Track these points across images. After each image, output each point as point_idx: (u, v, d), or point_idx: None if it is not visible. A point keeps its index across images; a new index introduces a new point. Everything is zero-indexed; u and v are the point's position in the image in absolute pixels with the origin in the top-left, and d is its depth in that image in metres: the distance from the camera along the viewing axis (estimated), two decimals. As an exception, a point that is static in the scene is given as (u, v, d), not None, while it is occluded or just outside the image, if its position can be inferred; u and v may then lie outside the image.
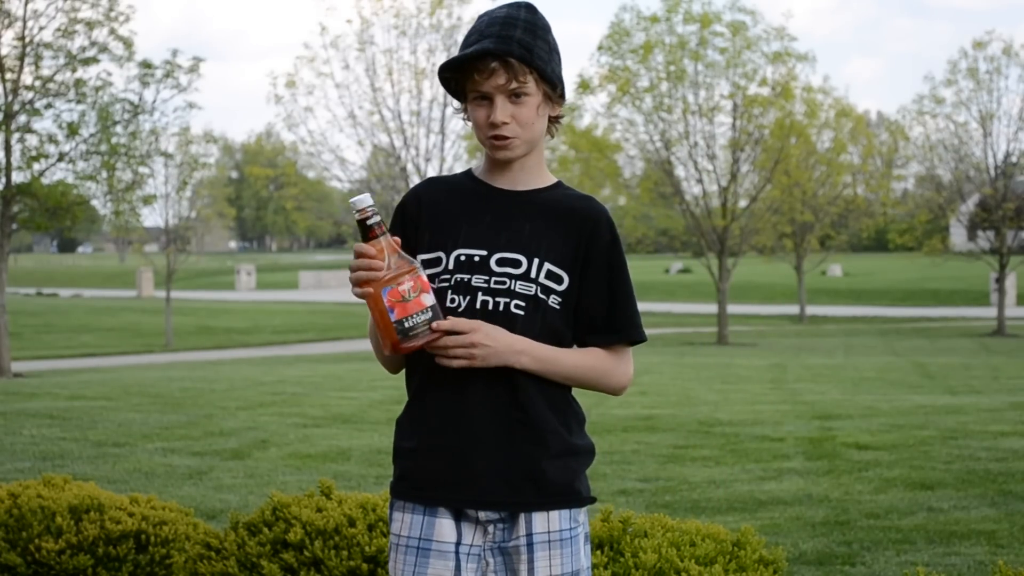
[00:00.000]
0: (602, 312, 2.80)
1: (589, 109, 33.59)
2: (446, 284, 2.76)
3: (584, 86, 31.69)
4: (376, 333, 2.72)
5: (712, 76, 31.10)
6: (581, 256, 2.77)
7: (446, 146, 30.08)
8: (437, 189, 2.88)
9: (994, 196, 34.98)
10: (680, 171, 32.49)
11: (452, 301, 2.75)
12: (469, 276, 2.75)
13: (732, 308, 37.92)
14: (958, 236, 43.63)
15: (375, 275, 2.63)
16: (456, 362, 2.66)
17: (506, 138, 2.75)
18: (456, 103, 2.84)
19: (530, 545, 2.72)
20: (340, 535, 4.31)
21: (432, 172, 30.09)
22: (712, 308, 37.03)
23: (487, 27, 2.74)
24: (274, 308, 48.62)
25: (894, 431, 11.01)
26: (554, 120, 2.83)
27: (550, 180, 2.87)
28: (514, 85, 2.71)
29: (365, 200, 2.66)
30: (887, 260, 75.89)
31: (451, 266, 2.77)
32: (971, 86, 35.15)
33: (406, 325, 2.64)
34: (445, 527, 2.74)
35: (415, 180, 30.23)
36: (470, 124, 2.81)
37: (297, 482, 8.49)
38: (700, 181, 31.83)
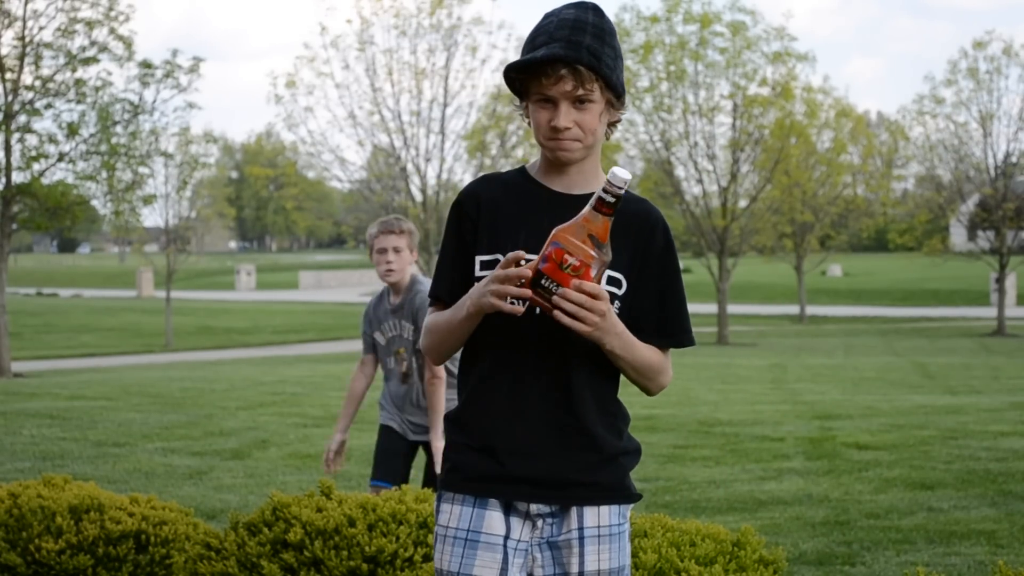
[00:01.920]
0: (653, 315, 2.80)
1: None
2: None
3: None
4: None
5: (712, 76, 31.12)
6: (638, 261, 2.77)
7: (446, 146, 30.09)
8: (494, 188, 2.84)
9: (994, 196, 34.99)
10: (680, 171, 32.52)
11: (512, 303, 2.70)
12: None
13: (732, 308, 37.93)
14: (958, 236, 43.64)
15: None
16: (571, 321, 2.56)
17: (567, 141, 2.73)
18: (517, 100, 2.82)
19: (581, 539, 2.73)
20: (340, 535, 4.31)
21: (432, 172, 30.10)
22: (712, 308, 37.03)
23: (556, 30, 2.70)
24: (274, 308, 48.62)
25: (894, 431, 11.01)
26: (612, 124, 2.81)
27: (602, 182, 2.80)
28: (580, 92, 2.69)
29: (626, 174, 2.59)
30: (887, 260, 75.90)
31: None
32: (971, 86, 35.18)
33: (543, 283, 2.55)
34: (495, 519, 2.73)
35: (415, 180, 30.24)
36: (528, 122, 2.78)
37: (297, 482, 8.49)
38: (700, 181, 31.84)
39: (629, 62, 30.92)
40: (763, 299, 53.59)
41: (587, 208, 2.57)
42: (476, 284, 2.69)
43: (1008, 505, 7.56)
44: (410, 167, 30.06)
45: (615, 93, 2.74)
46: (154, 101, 22.68)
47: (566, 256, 2.56)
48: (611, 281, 2.74)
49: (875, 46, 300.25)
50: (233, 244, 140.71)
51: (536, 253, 2.64)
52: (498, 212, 2.80)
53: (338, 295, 61.40)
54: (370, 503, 4.48)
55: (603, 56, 2.70)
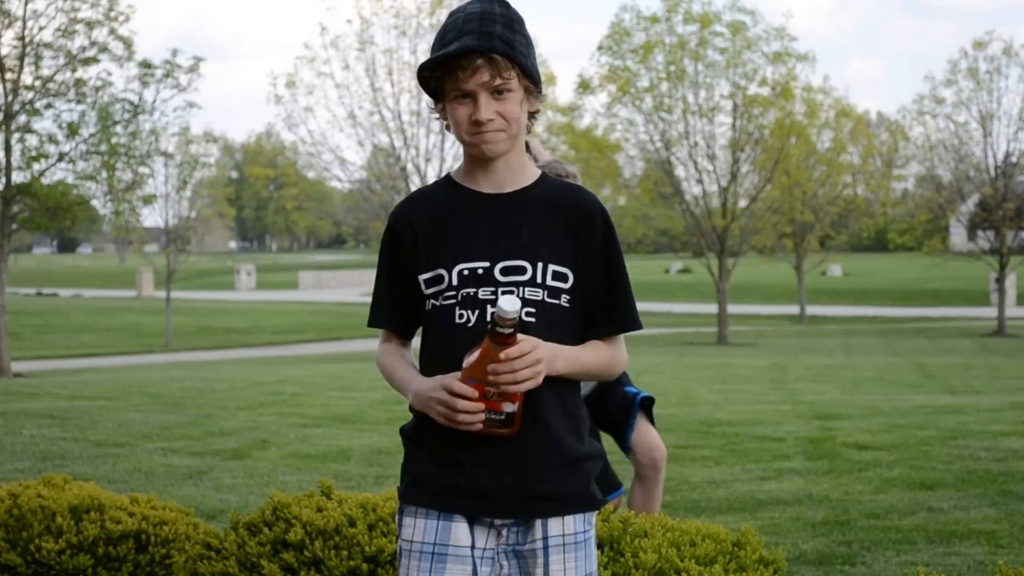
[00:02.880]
0: (600, 304, 2.77)
1: (589, 109, 33.58)
2: (452, 300, 2.71)
3: (584, 86, 31.71)
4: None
5: (712, 76, 31.11)
6: (581, 251, 2.75)
7: (446, 146, 30.09)
8: (422, 205, 2.82)
9: (994, 196, 34.99)
10: (680, 171, 32.51)
11: (461, 316, 2.70)
12: (475, 289, 2.70)
13: (732, 308, 37.93)
14: (958, 236, 43.64)
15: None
16: (527, 385, 2.60)
17: (491, 133, 2.71)
18: (430, 102, 2.79)
19: (546, 548, 2.70)
20: (340, 535, 4.31)
21: (432, 172, 30.09)
22: (712, 308, 37.03)
23: (465, 23, 2.68)
24: (274, 308, 48.62)
25: (894, 431, 11.01)
26: (532, 115, 2.80)
27: (535, 175, 2.82)
28: (498, 82, 2.67)
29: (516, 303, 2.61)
30: (887, 260, 75.90)
31: (455, 282, 2.72)
32: (971, 86, 35.17)
33: (491, 416, 2.64)
34: (461, 531, 2.71)
35: (415, 180, 30.24)
36: (447, 124, 2.77)
37: (297, 482, 8.49)
38: (700, 181, 31.84)
39: (629, 62, 30.95)
40: (763, 299, 53.58)
41: (485, 340, 2.58)
42: (423, 387, 2.69)
43: (1008, 505, 7.56)
44: (410, 167, 30.08)
45: (532, 80, 2.73)
46: (154, 101, 22.68)
47: (487, 389, 2.61)
48: (557, 276, 2.72)
49: (875, 46, 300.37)
50: (233, 244, 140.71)
51: (480, 260, 2.69)
52: (432, 228, 2.77)
53: (338, 295, 61.42)
54: (370, 503, 4.48)
55: (516, 44, 2.69)
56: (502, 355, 2.57)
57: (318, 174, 35.15)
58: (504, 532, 2.72)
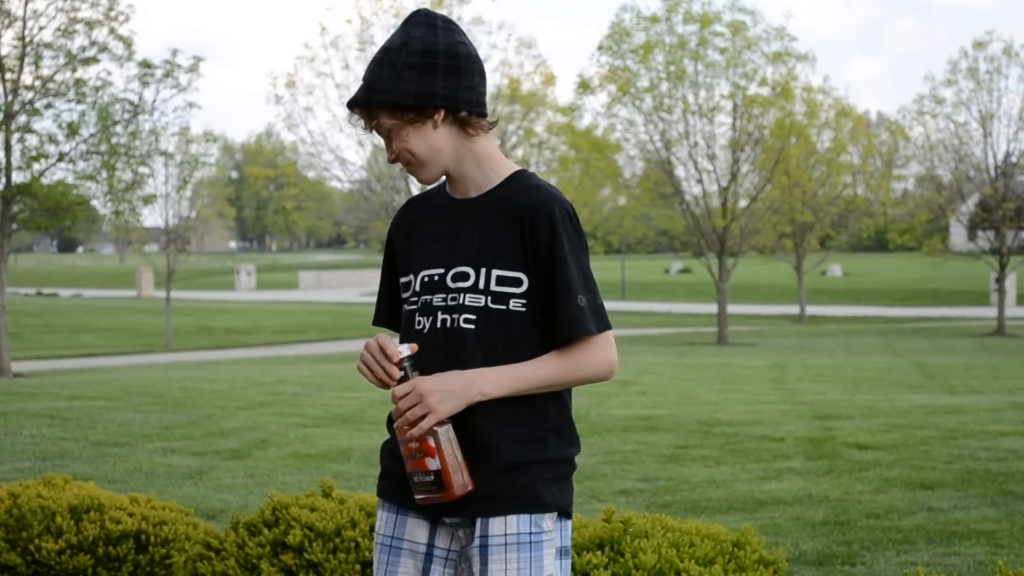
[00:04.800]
0: (551, 309, 2.66)
1: (589, 109, 33.57)
2: (415, 306, 2.75)
3: (584, 86, 31.70)
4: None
5: (712, 76, 31.11)
6: (529, 255, 2.67)
7: (446, 146, 30.06)
8: (413, 211, 2.87)
9: (994, 196, 34.98)
10: (680, 171, 32.50)
11: (419, 324, 2.72)
12: (431, 296, 2.72)
13: (732, 308, 37.93)
14: (958, 236, 43.64)
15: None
16: (421, 426, 2.61)
17: (408, 169, 2.75)
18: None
19: (484, 547, 2.65)
20: (340, 537, 4.31)
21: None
22: (712, 308, 37.01)
23: None
24: (274, 308, 48.62)
25: (894, 431, 11.01)
26: (465, 125, 2.71)
27: (502, 176, 2.75)
28: (374, 127, 2.71)
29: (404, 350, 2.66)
30: (887, 260, 75.87)
31: (418, 288, 2.75)
32: (971, 86, 35.16)
33: (415, 479, 2.67)
34: (418, 527, 2.73)
35: (414, 180, 30.22)
36: None
37: (297, 482, 8.49)
38: (700, 181, 31.83)
39: (629, 62, 30.93)
40: (763, 299, 53.57)
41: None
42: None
43: (1008, 505, 7.56)
44: (410, 167, 30.04)
45: (410, 108, 2.66)
46: (154, 101, 22.67)
47: (408, 446, 2.64)
48: (504, 281, 2.67)
49: (875, 46, 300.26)
50: (233, 244, 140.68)
51: (436, 267, 2.73)
52: (411, 234, 2.82)
53: (338, 295, 61.41)
54: (370, 504, 4.48)
55: (376, 83, 2.67)
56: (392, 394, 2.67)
57: (318, 174, 35.17)
58: (457, 533, 2.72)
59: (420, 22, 2.70)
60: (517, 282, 2.67)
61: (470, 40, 2.77)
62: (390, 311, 2.88)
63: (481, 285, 2.67)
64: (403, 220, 2.86)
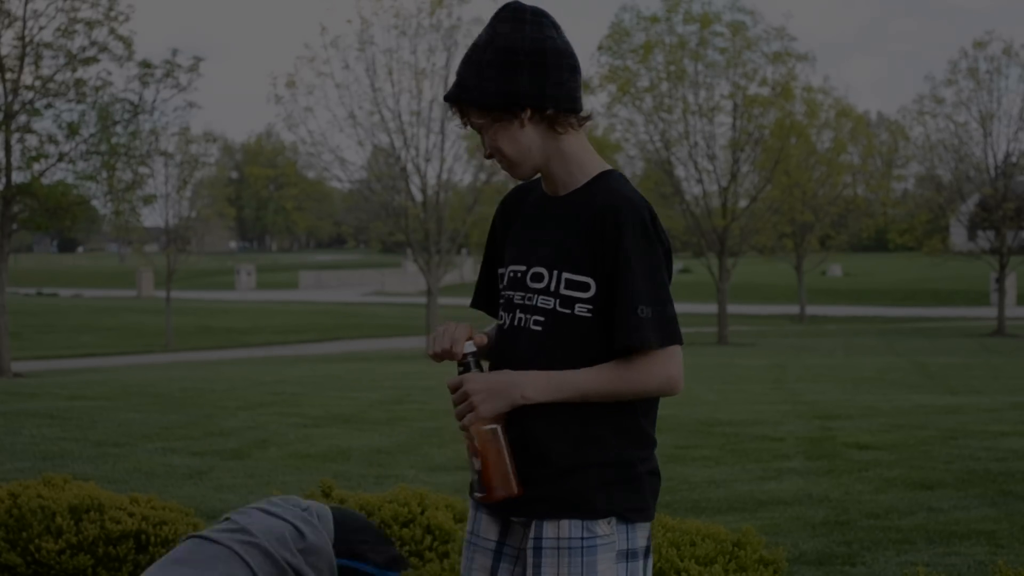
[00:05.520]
0: (610, 316, 2.61)
1: (589, 109, 33.60)
2: (502, 301, 2.77)
3: (584, 86, 31.70)
4: None
5: (712, 76, 31.13)
6: (598, 260, 2.62)
7: (446, 146, 30.10)
8: (514, 200, 2.86)
9: (994, 196, 35.00)
10: (680, 171, 32.53)
11: (502, 318, 2.75)
12: (513, 293, 2.73)
13: (732, 308, 37.93)
14: (958, 236, 43.66)
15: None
16: (467, 420, 2.63)
17: (502, 165, 2.74)
18: None
19: (536, 549, 2.66)
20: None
21: (432, 172, 30.12)
22: (712, 308, 37.02)
23: None
24: (274, 308, 48.63)
25: (894, 431, 11.00)
26: (555, 124, 2.67)
27: (588, 176, 2.72)
28: (472, 123, 2.69)
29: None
30: (887, 260, 75.89)
31: (505, 283, 2.76)
32: (971, 86, 35.20)
33: (472, 477, 2.71)
34: (491, 524, 2.77)
35: (415, 180, 30.24)
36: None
37: (297, 482, 8.49)
38: (700, 181, 31.85)
39: (629, 62, 30.94)
40: (763, 299, 53.60)
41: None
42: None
43: (1008, 505, 7.56)
44: (410, 167, 30.06)
45: (500, 107, 2.64)
46: (154, 101, 22.69)
47: (471, 444, 2.66)
48: (573, 285, 2.64)
49: (875, 46, 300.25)
50: (233, 244, 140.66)
51: (520, 264, 2.72)
52: (509, 225, 2.82)
53: (338, 295, 61.44)
54: (370, 504, 4.48)
55: (467, 80, 2.65)
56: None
57: (318, 174, 35.17)
58: (523, 531, 2.74)
59: (507, 17, 2.67)
60: (584, 287, 2.64)
61: (562, 32, 2.71)
62: (488, 296, 2.88)
63: (552, 287, 2.66)
64: (505, 209, 2.86)
